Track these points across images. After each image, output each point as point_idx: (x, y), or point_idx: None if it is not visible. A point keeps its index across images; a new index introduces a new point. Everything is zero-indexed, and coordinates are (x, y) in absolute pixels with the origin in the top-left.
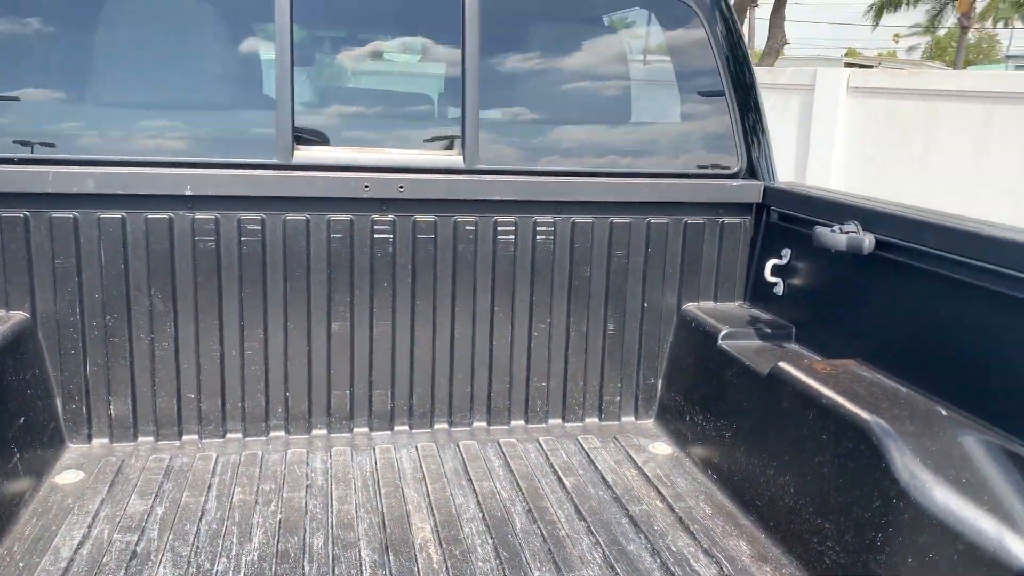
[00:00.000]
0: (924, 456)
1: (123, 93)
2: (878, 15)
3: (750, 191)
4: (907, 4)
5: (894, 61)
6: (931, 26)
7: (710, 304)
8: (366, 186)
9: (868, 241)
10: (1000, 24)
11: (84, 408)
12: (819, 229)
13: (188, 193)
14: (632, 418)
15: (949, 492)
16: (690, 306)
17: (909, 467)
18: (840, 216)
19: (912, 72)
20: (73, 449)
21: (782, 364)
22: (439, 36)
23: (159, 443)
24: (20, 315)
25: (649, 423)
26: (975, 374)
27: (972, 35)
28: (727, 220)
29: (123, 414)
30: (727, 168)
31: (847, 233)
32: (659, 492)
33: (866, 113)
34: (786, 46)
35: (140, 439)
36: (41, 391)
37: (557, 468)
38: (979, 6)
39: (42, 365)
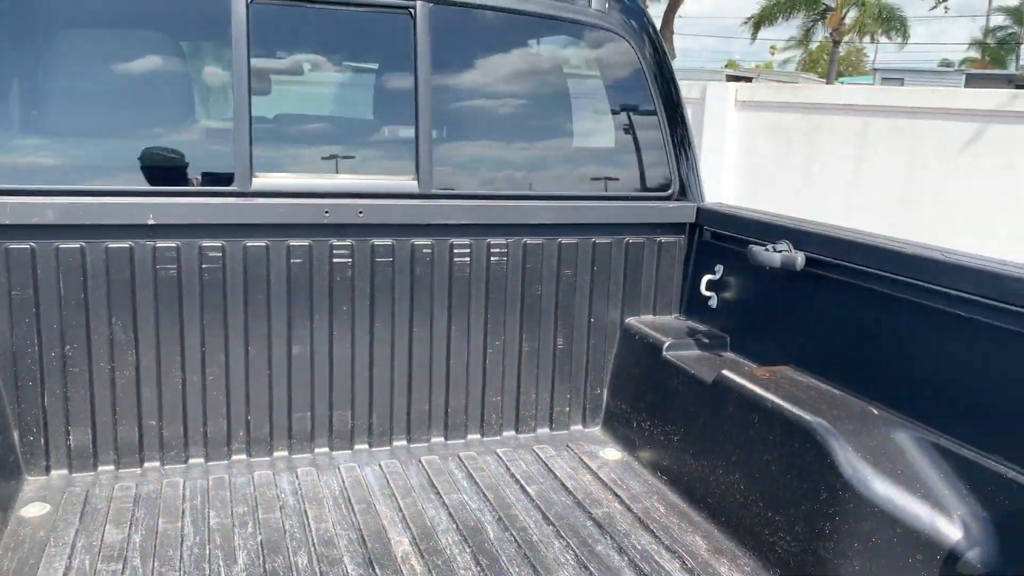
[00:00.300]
0: (863, 452)
1: (79, 121)
2: (755, 29)
3: (684, 212)
4: (782, 18)
5: (771, 73)
6: (804, 40)
7: (650, 317)
8: (326, 212)
9: (800, 259)
10: (866, 38)
11: (42, 439)
12: (754, 248)
13: (151, 222)
14: (580, 427)
15: (887, 483)
16: (632, 320)
17: (851, 462)
18: (770, 235)
19: (798, 87)
20: (32, 481)
21: (726, 372)
22: (391, 64)
23: (120, 471)
24: None
25: (596, 431)
26: (901, 376)
27: (842, 48)
28: (663, 239)
29: (83, 444)
30: (662, 190)
31: (780, 252)
32: (616, 495)
33: (753, 125)
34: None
35: (100, 468)
36: None
37: (519, 477)
38: (848, 21)
39: None
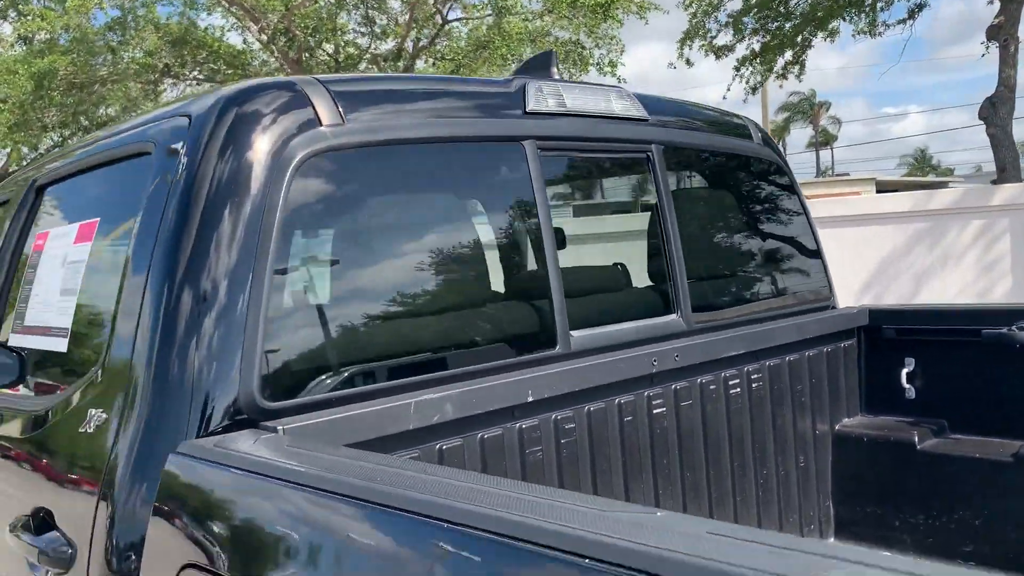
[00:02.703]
0: None
1: (412, 298)
2: None
3: (858, 317)
4: None
5: None
6: None
7: (856, 419)
8: (655, 361)
9: None
10: None
11: None
12: (995, 331)
13: (530, 399)
14: (819, 540)
15: None
16: (844, 426)
17: None
18: (980, 322)
19: None
20: None
21: None
22: (641, 203)
23: None
24: None
25: (832, 542)
26: None
27: None
28: (845, 344)
29: None
30: (827, 299)
31: None
32: None
33: None
34: None
35: None
36: None
37: None
38: None
39: None
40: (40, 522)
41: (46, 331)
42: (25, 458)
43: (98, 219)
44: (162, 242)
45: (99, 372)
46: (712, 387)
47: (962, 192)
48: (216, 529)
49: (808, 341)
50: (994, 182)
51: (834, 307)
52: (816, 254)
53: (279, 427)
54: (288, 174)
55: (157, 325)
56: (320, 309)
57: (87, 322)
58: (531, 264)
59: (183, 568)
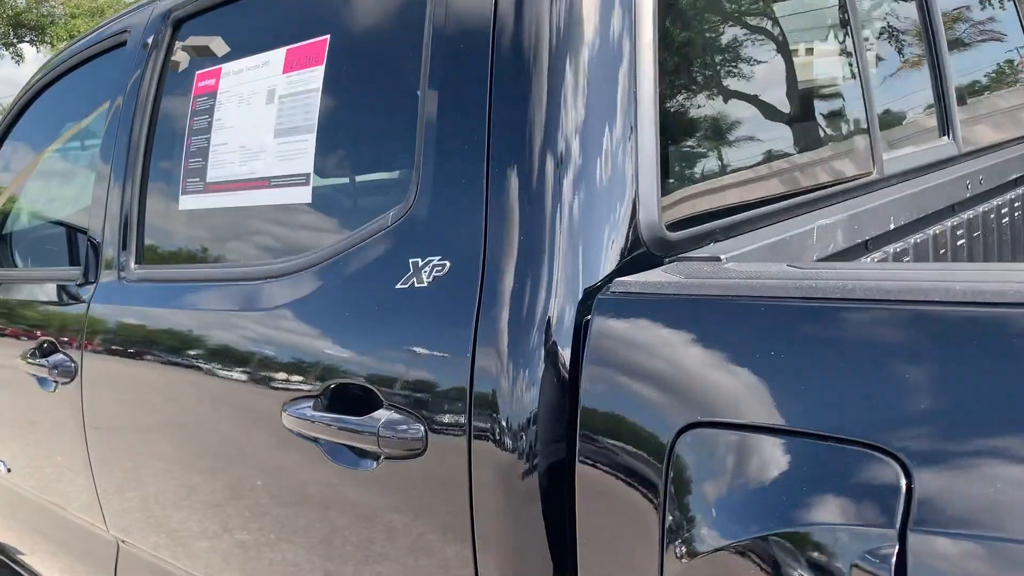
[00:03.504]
0: None
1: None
2: None
3: None
4: None
5: None
6: None
7: None
8: (968, 184)
9: None
10: None
11: None
12: None
13: (891, 227)
14: None
15: None
16: None
17: None
18: None
19: None
20: None
21: None
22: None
23: None
24: None
25: None
26: None
27: None
28: None
29: None
30: None
31: None
32: None
33: None
34: None
35: None
36: None
37: None
38: None
39: None
40: (340, 399)
41: (263, 183)
42: (285, 328)
43: (328, 36)
44: (504, 68)
45: (415, 216)
46: (991, 216)
47: None
48: (725, 375)
49: None
50: None
51: None
52: None
53: (722, 256)
54: None
55: (524, 151)
56: (700, 133)
57: (350, 162)
58: (850, 84)
59: (683, 430)
